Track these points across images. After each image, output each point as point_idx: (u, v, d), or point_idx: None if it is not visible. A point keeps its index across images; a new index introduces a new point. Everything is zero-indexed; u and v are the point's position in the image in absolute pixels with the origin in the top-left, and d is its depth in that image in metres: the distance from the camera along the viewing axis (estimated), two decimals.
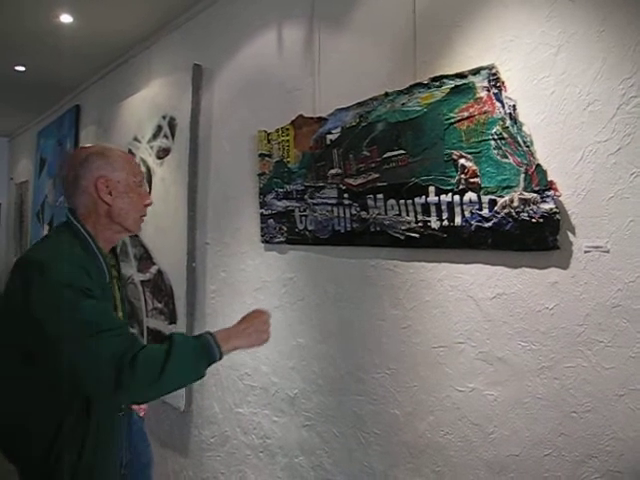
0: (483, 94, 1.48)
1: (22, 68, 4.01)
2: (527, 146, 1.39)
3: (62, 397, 1.31)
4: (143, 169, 3.12)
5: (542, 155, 1.37)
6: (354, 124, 1.86)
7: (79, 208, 1.44)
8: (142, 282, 3.26)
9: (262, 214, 2.36)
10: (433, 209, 1.61)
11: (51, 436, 1.30)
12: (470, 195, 1.51)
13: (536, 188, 1.36)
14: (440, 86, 1.58)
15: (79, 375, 1.22)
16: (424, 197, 1.63)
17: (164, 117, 3.10)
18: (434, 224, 1.62)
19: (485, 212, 1.48)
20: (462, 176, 1.53)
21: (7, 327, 1.35)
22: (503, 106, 1.43)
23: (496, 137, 1.45)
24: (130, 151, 3.42)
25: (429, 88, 1.61)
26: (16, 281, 1.31)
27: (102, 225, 1.45)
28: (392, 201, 1.74)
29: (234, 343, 1.40)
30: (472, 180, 1.51)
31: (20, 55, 3.76)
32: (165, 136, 3.08)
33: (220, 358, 1.35)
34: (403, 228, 1.71)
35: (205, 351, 1.32)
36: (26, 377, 1.31)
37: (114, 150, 1.51)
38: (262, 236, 2.37)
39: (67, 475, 1.32)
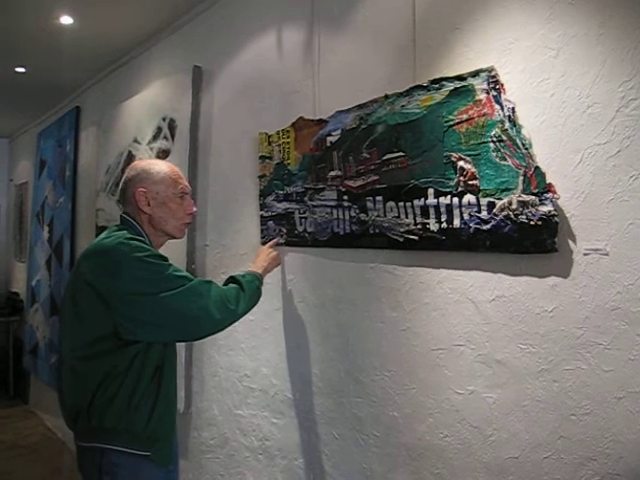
0: (482, 96, 1.48)
1: (22, 69, 4.00)
2: (526, 148, 1.39)
3: (145, 355, 1.55)
4: None
5: (541, 158, 1.37)
6: (354, 126, 1.87)
7: (130, 215, 1.68)
8: None
9: (262, 216, 2.36)
10: (432, 211, 1.62)
11: (130, 391, 1.53)
12: (469, 197, 1.52)
13: (535, 191, 1.36)
14: (439, 88, 1.58)
15: (191, 318, 1.52)
16: (423, 199, 1.64)
17: (164, 119, 3.11)
18: (433, 226, 1.62)
19: (484, 214, 1.48)
20: (461, 178, 1.53)
21: (94, 306, 1.50)
22: (502, 108, 1.44)
23: (495, 139, 1.45)
24: (130, 153, 3.43)
25: (428, 90, 1.62)
26: (97, 266, 1.52)
27: (149, 230, 1.68)
28: (391, 203, 1.74)
29: (263, 270, 1.96)
30: (471, 182, 1.51)
31: (20, 56, 3.75)
32: (165, 138, 3.08)
33: (261, 280, 1.88)
34: (402, 230, 1.71)
35: (256, 278, 1.83)
36: (114, 346, 1.52)
37: (158, 164, 1.73)
38: (262, 238, 2.37)
39: (144, 420, 1.55)
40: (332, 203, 1.98)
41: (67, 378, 1.58)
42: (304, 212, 2.13)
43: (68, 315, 1.59)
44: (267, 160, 2.31)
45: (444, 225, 1.59)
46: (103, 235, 1.63)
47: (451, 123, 1.55)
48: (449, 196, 1.57)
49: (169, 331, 1.55)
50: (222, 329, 1.62)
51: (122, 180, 1.72)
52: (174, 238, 1.77)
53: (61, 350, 1.62)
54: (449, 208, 1.57)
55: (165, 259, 1.57)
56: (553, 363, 1.37)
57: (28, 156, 5.83)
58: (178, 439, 1.83)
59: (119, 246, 1.51)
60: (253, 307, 1.77)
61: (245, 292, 1.70)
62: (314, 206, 2.07)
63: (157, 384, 1.59)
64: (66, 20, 3.10)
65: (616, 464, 1.26)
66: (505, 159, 1.43)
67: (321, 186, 2.03)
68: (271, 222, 2.30)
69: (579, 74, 1.32)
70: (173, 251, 2.87)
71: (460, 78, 1.53)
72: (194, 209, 1.78)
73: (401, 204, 1.71)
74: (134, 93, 3.54)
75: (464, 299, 1.58)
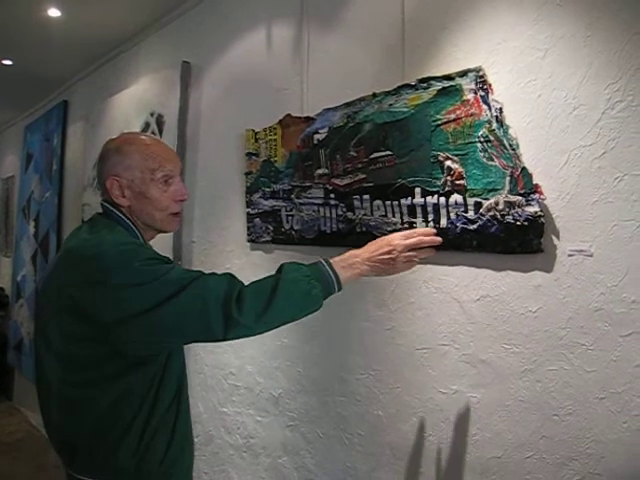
0: (470, 96, 1.48)
1: (9, 62, 3.96)
2: (513, 149, 1.39)
3: (155, 381, 1.29)
4: None
5: (528, 158, 1.37)
6: (341, 124, 1.86)
7: (112, 204, 1.37)
8: None
9: (248, 213, 2.35)
10: (419, 210, 1.61)
11: (144, 421, 1.26)
12: (456, 197, 1.51)
13: (521, 191, 1.37)
14: (427, 87, 1.58)
15: (191, 322, 1.17)
16: (410, 198, 1.63)
17: (152, 114, 3.08)
18: (420, 226, 1.61)
19: (470, 214, 1.48)
20: (448, 178, 1.53)
21: (81, 324, 1.22)
22: (490, 109, 1.44)
23: (482, 140, 1.45)
24: None
25: (416, 89, 1.61)
26: (81, 277, 1.21)
27: (135, 222, 1.38)
28: (378, 202, 1.74)
29: (356, 271, 1.31)
30: (458, 182, 1.51)
31: (7, 49, 3.71)
32: (153, 133, 3.06)
33: (340, 289, 1.28)
34: (389, 229, 1.70)
35: (319, 279, 1.25)
36: (119, 369, 1.25)
37: (135, 143, 1.37)
38: (248, 235, 2.36)
39: (160, 456, 1.30)
40: (319, 201, 1.97)
41: (57, 406, 1.30)
42: (291, 210, 2.12)
43: (50, 331, 1.29)
44: (254, 157, 2.30)
45: (431, 224, 1.59)
46: (85, 232, 1.34)
47: (439, 122, 1.55)
48: (436, 196, 1.57)
49: (169, 344, 1.29)
50: (231, 339, 1.23)
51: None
52: (164, 232, 1.45)
53: (44, 371, 1.33)
54: (436, 208, 1.57)
55: (167, 260, 1.28)
56: (536, 363, 1.38)
57: (15, 150, 5.78)
58: None
59: (107, 253, 1.21)
60: (294, 318, 1.27)
61: (277, 294, 1.19)
62: (301, 204, 2.06)
63: (176, 409, 1.34)
64: (54, 12, 3.07)
65: (597, 464, 1.26)
66: (492, 159, 1.43)
67: (308, 184, 2.02)
68: (258, 219, 2.29)
69: (566, 75, 1.32)
70: (158, 247, 2.86)
71: (448, 78, 1.53)
72: (185, 196, 1.41)
73: (388, 203, 1.71)
74: (122, 88, 3.51)
75: (449, 299, 1.59)
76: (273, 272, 1.37)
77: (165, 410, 1.31)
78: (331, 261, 1.30)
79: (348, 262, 1.31)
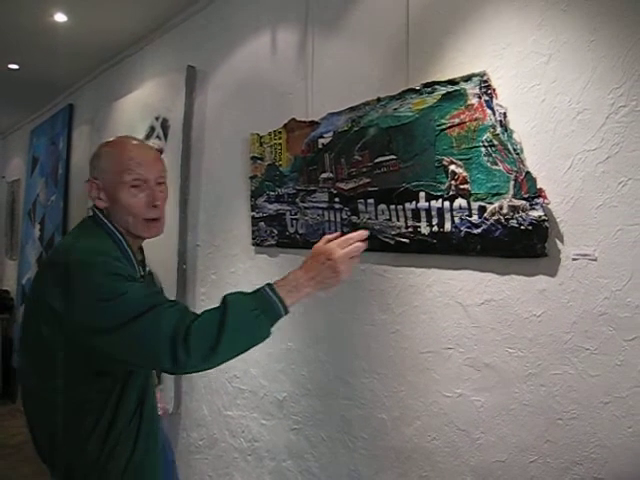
0: (474, 101, 1.48)
1: (16, 66, 3.99)
2: (517, 153, 1.39)
3: (116, 389, 1.27)
4: None
5: (532, 163, 1.38)
6: (346, 128, 1.87)
7: (98, 207, 1.37)
8: None
9: (253, 217, 2.36)
10: (423, 215, 1.62)
11: (105, 430, 1.25)
12: (460, 201, 1.52)
13: (525, 195, 1.37)
14: (432, 92, 1.59)
15: (138, 353, 1.16)
16: (414, 202, 1.64)
17: (157, 118, 3.10)
18: (424, 229, 1.62)
19: (474, 218, 1.49)
20: (452, 182, 1.53)
21: (51, 328, 1.22)
22: (494, 113, 1.44)
23: (486, 144, 1.45)
24: None
25: (421, 94, 1.62)
26: (52, 281, 1.23)
27: (118, 227, 1.36)
28: (383, 206, 1.74)
29: (302, 292, 1.24)
30: (462, 186, 1.51)
31: (14, 53, 3.74)
32: (158, 137, 3.07)
33: (287, 312, 1.22)
34: (393, 233, 1.71)
35: (266, 309, 1.19)
36: (81, 375, 1.25)
37: (114, 147, 1.38)
38: (253, 239, 2.37)
39: (121, 469, 1.28)
40: (323, 205, 1.98)
41: (31, 408, 1.33)
42: (295, 214, 2.12)
43: (27, 334, 1.33)
44: (259, 161, 2.31)
45: (435, 229, 1.59)
46: (70, 236, 1.39)
47: (443, 127, 1.56)
48: (440, 200, 1.57)
49: (127, 364, 1.26)
50: (181, 373, 1.27)
51: None
52: (142, 238, 1.40)
53: (23, 375, 1.36)
54: (440, 212, 1.57)
55: (129, 277, 1.23)
56: (541, 367, 1.38)
57: (20, 153, 5.81)
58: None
59: (72, 262, 1.21)
60: (242, 352, 1.23)
61: (223, 334, 1.14)
62: (305, 208, 2.07)
63: (138, 420, 1.32)
64: (60, 18, 3.10)
65: (601, 468, 1.26)
66: (496, 164, 1.44)
67: (312, 188, 2.03)
68: (262, 223, 2.30)
69: (570, 80, 1.33)
70: (164, 251, 2.87)
71: (452, 82, 1.54)
72: (157, 202, 1.35)
73: (392, 207, 1.71)
74: (127, 92, 3.53)
75: (453, 302, 1.59)
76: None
77: (129, 419, 1.29)
78: (275, 286, 1.23)
79: (293, 284, 1.24)
